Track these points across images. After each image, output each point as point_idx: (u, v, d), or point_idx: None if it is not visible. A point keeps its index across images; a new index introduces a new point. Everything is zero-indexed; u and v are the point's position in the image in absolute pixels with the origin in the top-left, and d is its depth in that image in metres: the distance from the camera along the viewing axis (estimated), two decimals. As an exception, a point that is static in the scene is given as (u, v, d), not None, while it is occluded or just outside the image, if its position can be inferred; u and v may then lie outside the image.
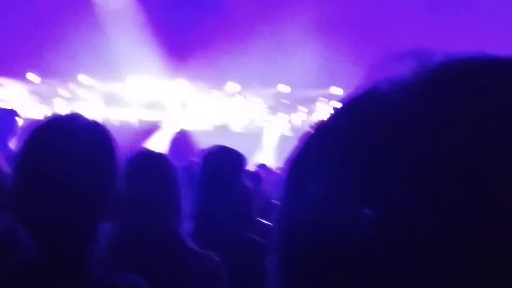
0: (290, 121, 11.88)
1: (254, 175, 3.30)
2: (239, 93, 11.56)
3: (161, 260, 1.47)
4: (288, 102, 11.92)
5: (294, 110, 12.06)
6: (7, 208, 1.25)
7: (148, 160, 1.64)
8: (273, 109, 11.77)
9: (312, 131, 0.39)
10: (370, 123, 0.34)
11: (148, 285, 1.22)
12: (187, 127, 10.36)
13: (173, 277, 1.39)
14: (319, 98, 11.79)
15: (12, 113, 4.34)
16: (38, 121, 1.25)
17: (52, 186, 1.12)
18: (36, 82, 10.73)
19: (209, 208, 1.97)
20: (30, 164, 1.16)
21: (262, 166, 5.22)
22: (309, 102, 12.05)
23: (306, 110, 12.02)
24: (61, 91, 10.57)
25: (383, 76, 0.36)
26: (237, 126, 11.16)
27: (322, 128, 0.39)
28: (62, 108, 10.12)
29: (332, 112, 0.39)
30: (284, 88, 11.74)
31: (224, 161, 2.05)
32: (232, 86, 11.43)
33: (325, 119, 0.39)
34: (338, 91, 11.95)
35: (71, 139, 1.15)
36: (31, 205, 1.15)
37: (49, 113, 5.01)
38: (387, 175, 0.32)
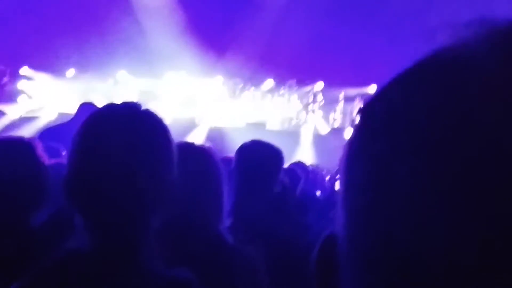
0: (327, 120, 11.73)
1: (290, 172, 3.26)
2: (276, 90, 11.48)
3: (201, 254, 1.46)
4: (323, 101, 11.75)
5: (332, 108, 11.89)
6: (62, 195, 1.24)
7: (192, 153, 1.58)
8: (310, 107, 11.63)
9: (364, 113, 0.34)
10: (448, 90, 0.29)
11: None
12: (223, 124, 10.40)
13: (213, 271, 1.37)
14: (357, 97, 11.58)
15: (91, 106, 4.55)
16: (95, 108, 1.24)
17: (108, 173, 1.10)
18: (74, 78, 11.02)
19: (246, 204, 1.96)
20: (87, 151, 1.13)
21: (298, 164, 5.17)
22: (347, 100, 11.85)
23: (342, 109, 11.82)
24: (99, 86, 10.79)
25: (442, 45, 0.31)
26: (273, 124, 11.05)
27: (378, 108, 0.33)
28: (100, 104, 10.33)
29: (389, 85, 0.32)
30: (321, 86, 11.59)
31: (262, 156, 2.04)
32: (268, 83, 11.35)
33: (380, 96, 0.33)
34: (374, 88, 11.73)
35: (129, 126, 1.13)
36: (87, 193, 1.13)
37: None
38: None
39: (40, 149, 1.71)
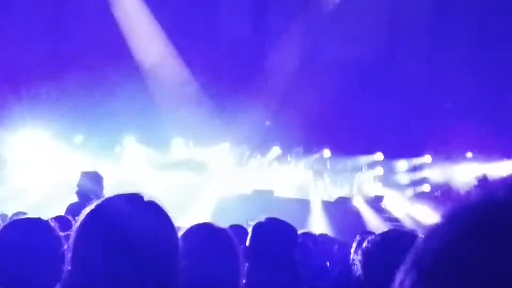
0: (334, 187, 11.73)
1: (301, 245, 3.25)
2: (283, 158, 11.57)
3: None
4: (329, 168, 11.82)
5: (339, 176, 11.96)
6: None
7: (214, 235, 1.66)
8: (318, 174, 11.64)
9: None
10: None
11: None
12: (230, 191, 10.40)
13: None
14: (364, 165, 11.78)
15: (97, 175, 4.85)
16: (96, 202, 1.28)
17: (115, 265, 1.14)
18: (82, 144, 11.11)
19: (259, 279, 1.98)
20: (90, 244, 1.18)
21: (307, 234, 5.14)
22: (354, 168, 11.99)
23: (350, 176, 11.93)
24: (106, 153, 10.86)
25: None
26: (281, 191, 10.99)
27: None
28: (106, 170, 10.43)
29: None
30: (328, 154, 11.75)
31: (276, 234, 2.08)
32: (275, 151, 11.43)
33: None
34: (381, 157, 11.95)
35: (134, 220, 1.18)
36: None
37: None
38: None
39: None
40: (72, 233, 1.22)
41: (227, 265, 1.60)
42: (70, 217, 2.76)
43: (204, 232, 1.70)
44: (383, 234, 1.95)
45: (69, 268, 1.20)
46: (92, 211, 1.19)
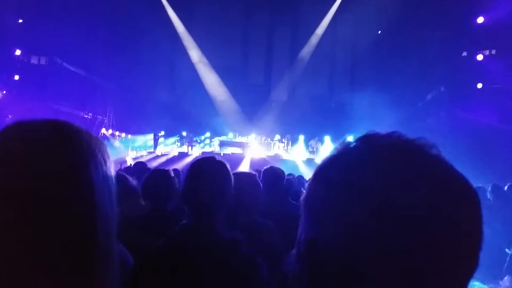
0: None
1: (289, 180, 4.92)
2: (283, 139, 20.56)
3: (247, 226, 2.40)
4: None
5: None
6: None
7: (243, 176, 2.75)
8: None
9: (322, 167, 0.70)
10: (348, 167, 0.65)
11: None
12: (258, 156, 18.37)
13: (253, 236, 2.07)
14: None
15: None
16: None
17: (204, 187, 1.84)
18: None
19: (269, 195, 3.40)
20: (193, 176, 1.91)
21: (291, 175, 6.78)
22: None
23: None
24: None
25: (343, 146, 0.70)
26: (284, 156, 18.94)
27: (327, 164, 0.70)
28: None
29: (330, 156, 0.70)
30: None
31: (275, 172, 3.77)
32: (278, 136, 20.61)
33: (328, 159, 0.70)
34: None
35: (212, 169, 1.93)
36: (192, 196, 1.85)
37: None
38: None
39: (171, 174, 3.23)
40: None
41: (250, 189, 2.69)
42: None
43: (245, 174, 2.84)
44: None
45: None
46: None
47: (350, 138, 0.70)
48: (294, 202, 3.67)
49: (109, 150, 0.85)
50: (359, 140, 0.68)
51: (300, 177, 6.96)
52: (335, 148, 0.70)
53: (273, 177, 3.73)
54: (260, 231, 2.55)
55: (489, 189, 5.61)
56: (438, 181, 0.60)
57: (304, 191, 0.71)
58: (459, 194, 0.60)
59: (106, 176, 0.79)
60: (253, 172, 2.96)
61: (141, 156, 17.85)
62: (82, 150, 0.77)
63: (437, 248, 0.57)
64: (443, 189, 0.60)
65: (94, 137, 0.82)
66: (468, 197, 0.61)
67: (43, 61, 19.11)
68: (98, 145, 0.81)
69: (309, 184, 0.70)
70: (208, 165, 1.95)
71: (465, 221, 0.59)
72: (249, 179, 2.80)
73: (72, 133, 0.78)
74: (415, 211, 0.57)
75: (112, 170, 0.82)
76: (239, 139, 20.48)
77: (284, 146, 20.28)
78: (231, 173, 1.98)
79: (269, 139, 20.54)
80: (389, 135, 0.66)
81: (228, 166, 1.98)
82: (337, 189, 0.64)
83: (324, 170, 0.69)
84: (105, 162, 0.81)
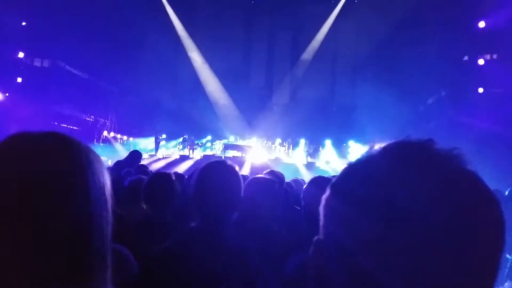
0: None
1: (288, 184, 5.02)
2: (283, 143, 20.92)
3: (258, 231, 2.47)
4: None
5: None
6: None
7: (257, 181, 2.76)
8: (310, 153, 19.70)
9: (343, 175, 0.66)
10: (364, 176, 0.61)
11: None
12: (259, 159, 18.53)
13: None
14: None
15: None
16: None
17: (214, 191, 1.86)
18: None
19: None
20: (203, 179, 1.92)
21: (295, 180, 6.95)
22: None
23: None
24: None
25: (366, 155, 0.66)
26: (285, 160, 19.47)
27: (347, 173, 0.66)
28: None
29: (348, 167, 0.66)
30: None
31: (276, 177, 3.94)
32: (279, 140, 20.93)
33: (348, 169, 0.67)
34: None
35: (223, 173, 1.96)
36: (202, 198, 1.86)
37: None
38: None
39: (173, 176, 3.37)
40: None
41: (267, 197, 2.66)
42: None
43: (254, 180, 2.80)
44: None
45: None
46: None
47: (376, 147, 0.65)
48: (296, 207, 3.70)
49: (110, 153, 0.88)
50: (385, 150, 0.63)
51: (296, 181, 6.96)
52: (358, 159, 0.65)
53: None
54: (274, 242, 2.50)
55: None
56: (475, 208, 0.56)
57: (322, 202, 0.68)
58: (493, 226, 0.57)
59: (102, 184, 0.83)
60: (273, 179, 2.91)
61: (143, 159, 17.88)
62: (81, 160, 0.80)
63: (467, 272, 0.54)
64: (483, 217, 0.56)
65: (91, 149, 0.86)
66: (498, 226, 0.58)
67: (46, 64, 19.32)
68: (95, 156, 0.85)
69: (326, 198, 0.67)
70: (219, 169, 1.96)
71: (491, 249, 0.57)
72: (266, 187, 2.74)
73: (71, 144, 0.82)
74: (444, 232, 0.54)
75: (108, 180, 0.86)
76: (240, 142, 20.76)
77: (285, 150, 20.52)
78: (241, 178, 2.00)
79: (270, 143, 20.84)
80: (420, 145, 0.60)
81: (238, 170, 2.00)
82: (360, 205, 0.60)
83: (344, 183, 0.65)
84: (102, 172, 0.84)
